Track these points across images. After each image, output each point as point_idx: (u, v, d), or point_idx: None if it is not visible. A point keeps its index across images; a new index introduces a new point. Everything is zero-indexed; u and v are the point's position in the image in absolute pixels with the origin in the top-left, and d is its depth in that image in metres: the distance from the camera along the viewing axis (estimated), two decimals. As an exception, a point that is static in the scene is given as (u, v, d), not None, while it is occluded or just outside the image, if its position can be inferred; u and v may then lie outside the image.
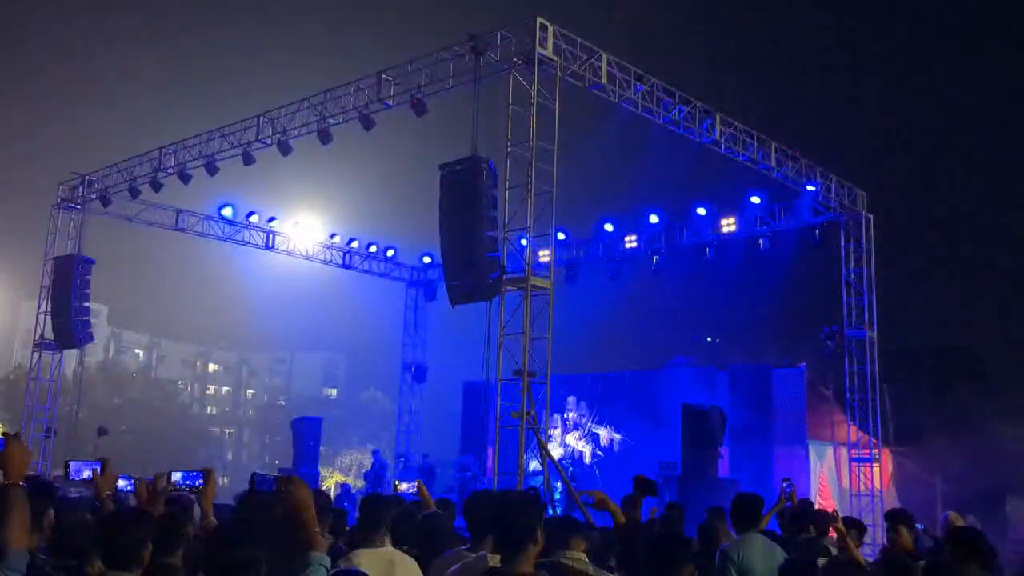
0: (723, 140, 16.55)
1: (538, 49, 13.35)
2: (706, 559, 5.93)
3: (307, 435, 21.10)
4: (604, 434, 20.78)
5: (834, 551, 6.43)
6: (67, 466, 4.92)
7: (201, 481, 4.58)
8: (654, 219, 21.17)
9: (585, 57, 14.30)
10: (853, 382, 18.79)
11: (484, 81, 14.23)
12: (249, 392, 79.05)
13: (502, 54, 13.93)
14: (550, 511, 10.79)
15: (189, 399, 72.02)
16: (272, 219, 22.55)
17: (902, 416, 19.66)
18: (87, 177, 21.06)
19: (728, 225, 20.15)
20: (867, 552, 7.67)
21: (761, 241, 19.73)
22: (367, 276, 25.72)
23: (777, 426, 18.80)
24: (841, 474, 19.50)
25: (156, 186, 19.35)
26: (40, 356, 20.96)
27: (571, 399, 21.51)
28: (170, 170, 18.99)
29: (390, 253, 25.14)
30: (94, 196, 20.76)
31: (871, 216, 19.24)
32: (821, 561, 5.54)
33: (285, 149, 17.23)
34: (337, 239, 23.91)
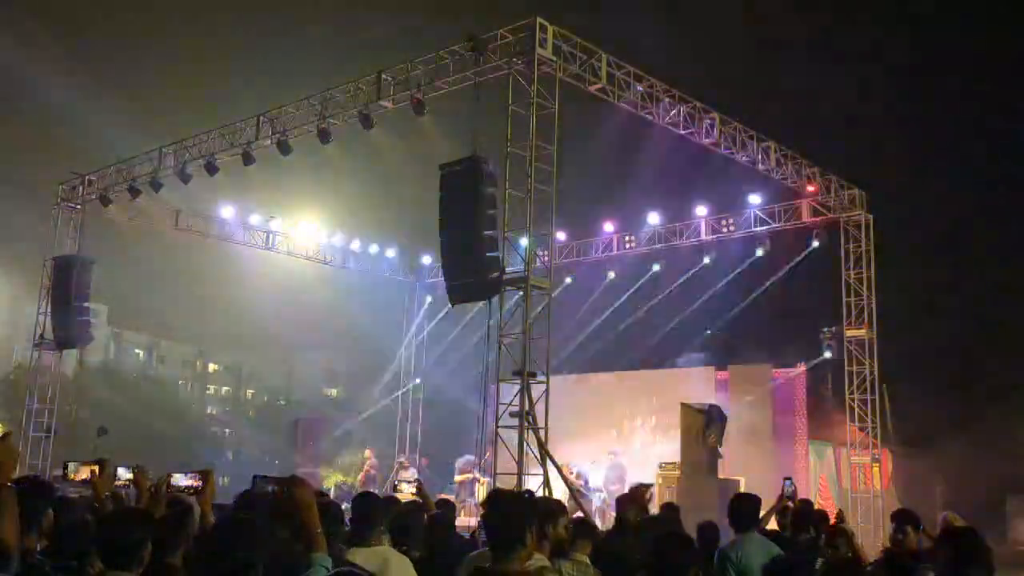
0: (723, 140, 16.56)
1: (538, 49, 13.34)
2: (705, 560, 5.94)
3: (307, 435, 21.10)
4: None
5: (830, 551, 6.43)
6: (66, 466, 4.93)
7: (200, 482, 4.58)
8: (653, 219, 21.19)
9: (585, 57, 14.30)
10: (853, 382, 18.80)
11: (484, 81, 14.25)
12: (249, 392, 78.99)
13: (502, 54, 13.92)
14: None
15: (189, 399, 71.95)
16: (272, 219, 22.56)
17: (902, 416, 19.67)
18: (87, 177, 21.05)
19: (728, 225, 20.17)
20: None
21: (761, 241, 19.75)
22: (367, 276, 25.72)
23: (777, 426, 18.81)
24: (841, 474, 19.51)
25: (156, 186, 19.35)
26: (40, 356, 20.95)
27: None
28: (170, 170, 19.00)
29: (390, 253, 25.14)
30: (94, 196, 20.76)
31: (871, 216, 19.25)
32: (820, 561, 5.55)
33: (285, 149, 17.23)
34: (337, 239, 23.91)
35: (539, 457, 12.93)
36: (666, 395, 19.08)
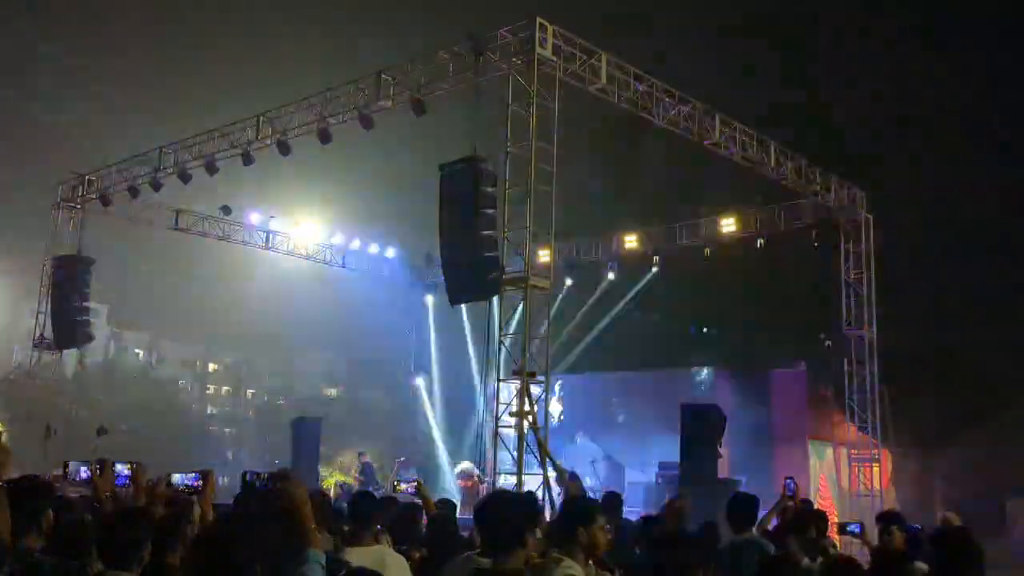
0: (723, 140, 16.55)
1: (538, 49, 13.35)
2: (706, 560, 5.93)
3: (307, 435, 21.08)
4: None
5: (832, 552, 6.43)
6: (66, 466, 4.93)
7: (200, 482, 4.58)
8: (654, 219, 21.20)
9: (585, 57, 14.30)
10: (853, 382, 18.80)
11: (484, 81, 14.25)
12: (249, 392, 78.89)
13: (502, 54, 13.93)
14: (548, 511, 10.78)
15: (189, 399, 71.88)
16: (272, 219, 22.56)
17: (902, 416, 19.65)
18: (87, 177, 21.06)
19: (728, 225, 20.15)
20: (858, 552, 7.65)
21: (761, 241, 19.74)
22: (367, 276, 25.72)
23: (777, 426, 18.81)
24: (841, 474, 19.49)
25: (156, 186, 19.35)
26: (40, 356, 20.96)
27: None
28: (170, 170, 19.00)
29: (390, 253, 25.14)
30: (94, 196, 20.77)
31: (871, 216, 19.25)
32: (819, 561, 5.55)
33: (285, 149, 17.23)
34: (337, 239, 23.91)
35: (539, 457, 12.93)
36: (666, 395, 19.08)
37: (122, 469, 4.99)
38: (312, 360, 75.81)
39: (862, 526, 7.43)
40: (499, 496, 3.79)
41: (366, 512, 5.01)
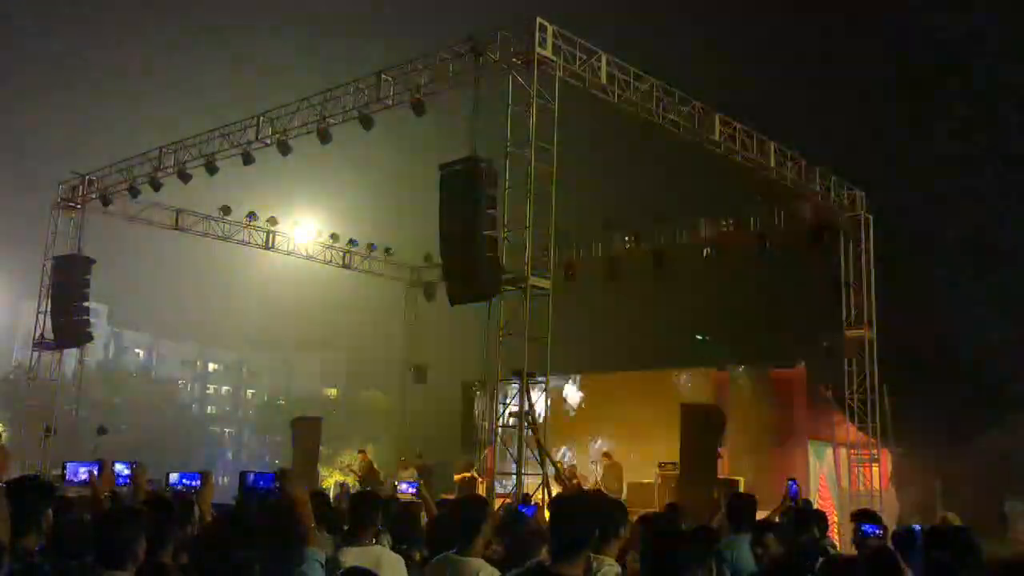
0: (723, 140, 16.55)
1: (538, 49, 13.35)
2: (705, 560, 5.93)
3: (307, 435, 21.06)
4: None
5: (832, 552, 6.44)
6: (64, 467, 4.93)
7: (199, 483, 4.58)
8: (653, 219, 21.16)
9: (585, 57, 14.29)
10: (852, 382, 18.78)
11: (484, 81, 14.24)
12: (249, 392, 79.04)
13: (502, 54, 13.92)
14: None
15: (189, 399, 72.06)
16: (272, 219, 22.55)
17: (902, 416, 19.65)
18: (87, 177, 21.06)
19: (728, 225, 20.12)
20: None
21: (761, 241, 19.71)
22: (367, 276, 25.72)
23: (777, 426, 18.77)
24: (840, 474, 19.47)
25: (156, 186, 19.35)
26: (40, 355, 20.96)
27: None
28: (170, 170, 19.00)
29: (390, 253, 25.13)
30: (94, 196, 20.77)
31: (871, 216, 19.24)
32: (820, 560, 5.55)
33: (285, 149, 17.23)
34: (337, 239, 23.91)
35: (538, 457, 12.93)
36: (666, 395, 19.07)
37: (122, 469, 4.99)
38: (312, 360, 75.91)
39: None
40: (576, 500, 3.85)
41: (366, 512, 5.01)
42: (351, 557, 4.52)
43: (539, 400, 13.17)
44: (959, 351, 22.56)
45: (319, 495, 6.64)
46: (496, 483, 14.71)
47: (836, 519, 15.53)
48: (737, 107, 17.24)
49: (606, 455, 18.73)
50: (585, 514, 3.63)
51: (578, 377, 21.25)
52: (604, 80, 14.56)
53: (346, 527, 5.17)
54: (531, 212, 13.16)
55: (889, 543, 6.24)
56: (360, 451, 23.03)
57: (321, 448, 23.22)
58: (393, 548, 5.19)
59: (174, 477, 4.55)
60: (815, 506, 10.11)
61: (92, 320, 21.28)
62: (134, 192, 19.75)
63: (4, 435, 20.75)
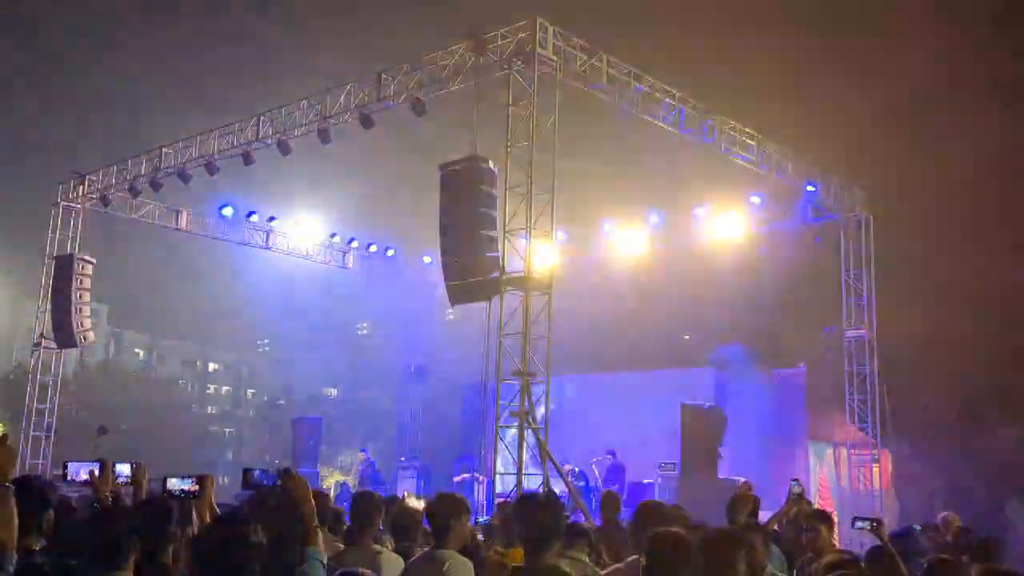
0: (723, 140, 16.55)
1: (538, 49, 13.35)
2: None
3: (307, 435, 21.11)
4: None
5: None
6: (65, 467, 4.91)
7: (196, 486, 4.55)
8: (654, 219, 21.16)
9: (585, 57, 14.30)
10: (853, 382, 18.79)
11: (484, 81, 14.25)
12: (249, 392, 78.99)
13: (502, 54, 13.93)
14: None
15: (189, 399, 71.95)
16: (272, 219, 22.56)
17: (902, 416, 19.65)
18: (87, 176, 21.06)
19: (728, 226, 20.12)
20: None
21: (761, 241, 19.72)
22: (367, 276, 25.73)
23: (777, 426, 18.78)
24: (841, 474, 19.48)
25: (156, 186, 19.36)
26: (40, 355, 20.97)
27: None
28: (170, 169, 19.00)
29: (390, 253, 25.14)
30: (94, 195, 20.77)
31: (871, 216, 19.24)
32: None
33: (285, 149, 17.24)
34: (337, 239, 23.91)
35: (539, 457, 12.93)
36: (666, 395, 19.07)
37: (122, 469, 4.98)
38: (312, 360, 75.87)
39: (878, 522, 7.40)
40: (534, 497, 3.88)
41: (366, 512, 5.01)
42: (349, 558, 4.53)
43: (540, 400, 13.16)
44: (959, 351, 22.52)
45: (320, 495, 6.63)
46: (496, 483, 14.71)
47: (836, 519, 15.52)
48: (737, 107, 17.25)
49: (606, 455, 18.76)
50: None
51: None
52: (604, 80, 14.56)
53: (347, 527, 5.17)
54: (531, 212, 13.17)
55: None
56: (362, 450, 23.03)
57: (321, 448, 23.26)
58: (395, 548, 5.19)
59: (172, 483, 4.52)
60: (816, 506, 10.09)
61: (92, 320, 21.30)
62: (134, 192, 19.76)
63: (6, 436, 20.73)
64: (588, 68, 14.36)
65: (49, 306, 20.57)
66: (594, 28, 16.02)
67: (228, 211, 21.72)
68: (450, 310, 22.19)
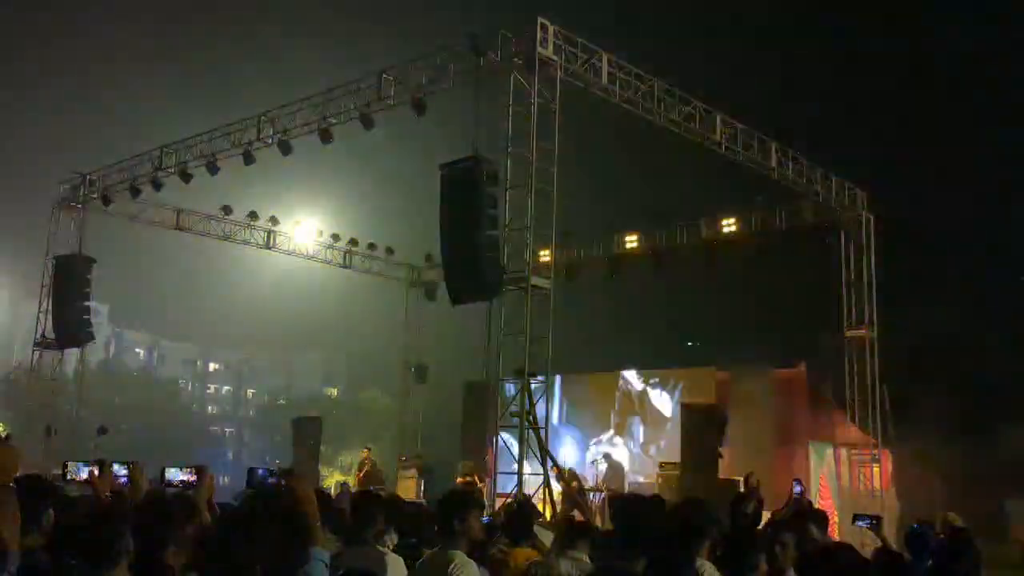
0: (724, 140, 16.54)
1: (538, 49, 13.34)
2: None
3: (307, 435, 21.07)
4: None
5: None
6: (65, 466, 4.91)
7: (194, 477, 4.55)
8: (654, 219, 21.16)
9: (585, 57, 14.29)
10: (853, 382, 18.78)
11: (484, 81, 14.24)
12: (249, 392, 79.04)
13: (502, 54, 13.92)
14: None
15: (189, 399, 72.01)
16: (273, 219, 22.55)
17: (902, 416, 19.64)
18: (88, 176, 21.05)
19: (728, 225, 20.12)
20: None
21: (761, 241, 19.69)
22: (367, 276, 25.72)
23: (777, 426, 18.77)
24: (841, 474, 19.47)
25: (157, 185, 19.36)
26: (40, 355, 20.96)
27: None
28: (171, 169, 19.00)
29: (390, 253, 25.12)
30: (95, 195, 20.77)
31: (871, 216, 19.23)
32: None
33: (285, 149, 17.24)
34: (337, 239, 23.90)
35: (539, 457, 12.93)
36: (666, 395, 19.07)
37: (120, 469, 4.98)
38: (312, 360, 75.91)
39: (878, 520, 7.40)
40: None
41: (368, 512, 5.01)
42: (353, 558, 4.53)
43: (540, 400, 13.16)
44: (959, 350, 22.54)
45: (322, 495, 6.63)
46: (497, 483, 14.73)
47: (836, 519, 15.52)
48: (738, 107, 17.24)
49: (606, 455, 18.75)
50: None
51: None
52: (605, 80, 14.55)
53: (347, 528, 5.16)
54: (531, 212, 13.16)
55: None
56: (366, 448, 22.95)
57: (321, 448, 23.22)
58: (396, 548, 5.19)
59: (171, 472, 4.51)
60: (816, 506, 10.10)
61: (93, 320, 21.28)
62: (135, 192, 19.75)
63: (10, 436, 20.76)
64: (588, 68, 14.35)
65: (50, 306, 20.56)
66: (594, 28, 16.00)
67: (229, 211, 21.67)
68: (451, 310, 22.13)
